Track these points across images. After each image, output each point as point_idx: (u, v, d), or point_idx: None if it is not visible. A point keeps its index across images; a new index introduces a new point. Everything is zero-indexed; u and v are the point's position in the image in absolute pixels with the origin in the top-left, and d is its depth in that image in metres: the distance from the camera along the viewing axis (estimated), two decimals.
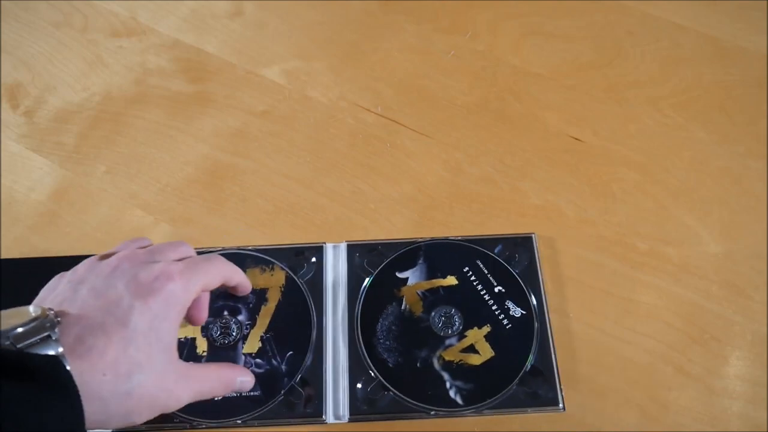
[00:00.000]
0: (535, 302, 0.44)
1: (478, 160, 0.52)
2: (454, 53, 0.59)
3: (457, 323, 0.44)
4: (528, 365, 0.42)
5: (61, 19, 0.64)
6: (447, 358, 0.42)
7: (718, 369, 0.42)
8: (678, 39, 0.59)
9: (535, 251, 0.46)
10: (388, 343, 0.43)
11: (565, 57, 0.58)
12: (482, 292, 0.45)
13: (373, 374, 0.42)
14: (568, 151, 0.53)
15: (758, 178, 0.50)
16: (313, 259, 0.47)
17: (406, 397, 0.41)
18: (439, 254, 0.47)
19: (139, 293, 0.30)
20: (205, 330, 0.44)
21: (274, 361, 0.43)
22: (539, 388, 0.41)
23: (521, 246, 0.47)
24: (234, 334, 0.44)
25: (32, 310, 0.28)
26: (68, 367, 0.26)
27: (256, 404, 0.41)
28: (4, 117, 0.58)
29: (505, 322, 0.43)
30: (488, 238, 0.47)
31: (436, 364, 0.42)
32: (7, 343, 0.26)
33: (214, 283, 0.34)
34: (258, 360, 0.43)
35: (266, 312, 0.45)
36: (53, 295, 0.31)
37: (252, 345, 0.43)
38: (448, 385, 0.41)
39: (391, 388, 0.41)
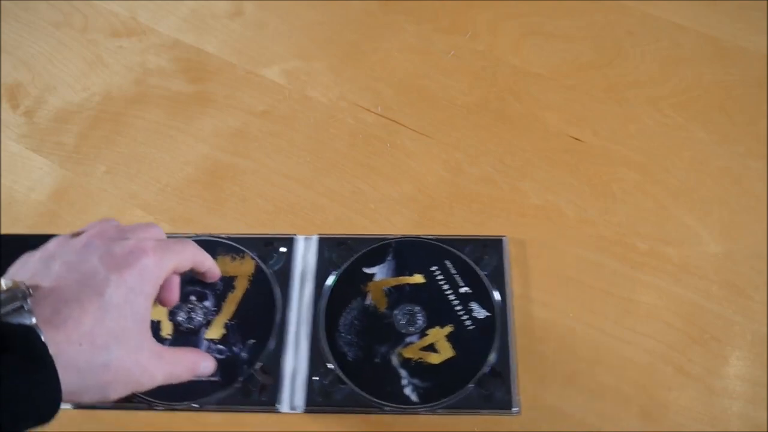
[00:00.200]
0: (499, 304, 0.44)
1: (478, 160, 0.52)
2: (454, 53, 0.59)
3: (420, 321, 0.44)
4: (487, 367, 0.42)
5: (61, 19, 0.64)
6: (406, 356, 0.43)
7: (718, 369, 0.42)
8: (678, 39, 0.59)
9: (504, 254, 0.46)
10: (349, 337, 0.43)
11: (565, 57, 0.58)
12: (448, 292, 0.45)
13: (331, 367, 0.42)
14: (568, 151, 0.53)
15: (758, 178, 0.50)
16: (283, 250, 0.47)
17: (362, 392, 0.41)
18: (408, 252, 0.47)
19: (113, 266, 0.30)
20: (172, 314, 0.44)
21: (235, 348, 0.43)
22: (496, 391, 0.41)
23: (491, 248, 0.47)
24: (200, 319, 0.44)
25: (3, 282, 0.28)
26: (43, 337, 0.26)
27: (214, 389, 0.42)
28: (4, 117, 0.58)
29: (468, 322, 0.44)
30: (459, 239, 0.47)
31: (395, 361, 0.42)
32: None
33: (185, 265, 0.34)
34: (220, 346, 0.43)
35: (233, 299, 0.45)
36: (23, 269, 0.31)
37: (216, 331, 0.44)
38: (405, 382, 0.42)
39: (348, 381, 0.42)
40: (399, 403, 0.41)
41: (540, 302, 0.45)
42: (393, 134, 0.54)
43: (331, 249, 0.47)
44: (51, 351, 0.25)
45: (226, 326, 0.44)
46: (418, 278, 0.46)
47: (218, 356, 0.43)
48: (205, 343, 0.44)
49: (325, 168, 0.53)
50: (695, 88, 0.56)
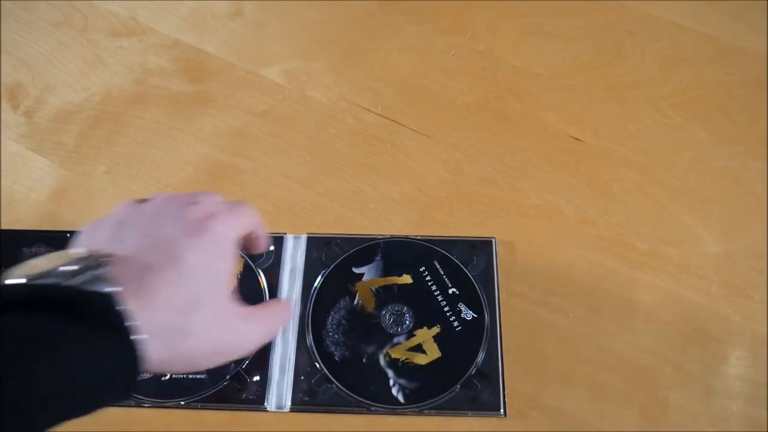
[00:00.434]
0: (487, 306, 0.44)
1: (478, 160, 0.52)
2: (454, 53, 0.59)
3: (407, 322, 0.44)
4: (473, 368, 0.42)
5: (61, 19, 0.64)
6: (393, 356, 0.43)
7: (718, 369, 0.42)
8: (678, 39, 0.59)
9: (494, 255, 0.46)
10: (336, 336, 0.43)
11: (565, 57, 0.58)
12: (436, 293, 0.45)
13: (318, 366, 0.42)
14: (568, 151, 0.53)
15: (758, 178, 0.50)
16: (271, 248, 0.47)
17: (348, 391, 0.41)
18: (397, 252, 0.47)
19: (189, 231, 0.29)
20: None
21: None
22: (482, 392, 0.41)
23: (480, 249, 0.47)
24: None
25: (78, 251, 0.27)
26: (124, 306, 0.25)
27: (201, 387, 0.42)
28: (4, 117, 0.58)
29: (456, 324, 0.44)
30: (448, 240, 0.47)
31: (382, 361, 0.43)
32: (54, 281, 0.25)
33: (250, 227, 0.33)
34: None
35: None
36: (94, 237, 0.30)
37: None
38: (391, 382, 0.42)
39: (335, 381, 0.42)
40: (386, 403, 0.41)
41: (540, 302, 0.45)
42: (393, 134, 0.54)
43: (320, 248, 0.47)
44: (133, 319, 0.25)
45: None
46: (406, 278, 0.46)
47: None
48: None
49: (325, 168, 0.53)
50: (695, 88, 0.56)
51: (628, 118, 0.54)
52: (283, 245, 0.48)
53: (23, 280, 0.25)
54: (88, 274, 0.25)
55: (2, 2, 0.66)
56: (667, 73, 0.57)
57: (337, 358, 0.43)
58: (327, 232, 0.48)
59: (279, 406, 0.42)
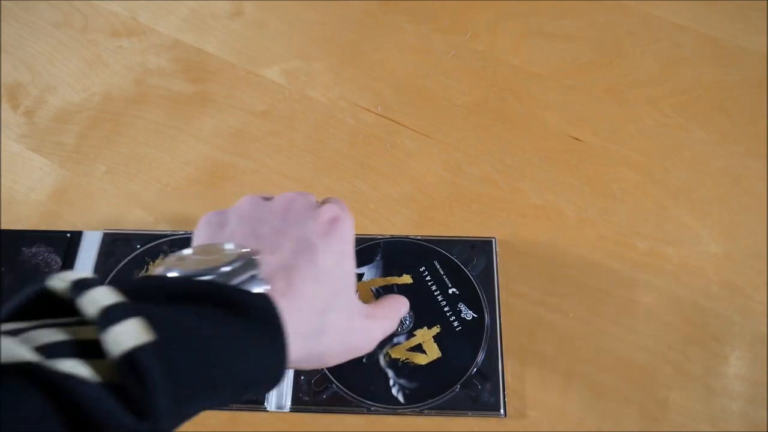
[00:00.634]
0: (487, 306, 0.44)
1: (478, 160, 0.52)
2: (454, 53, 0.59)
3: (407, 322, 0.44)
4: (474, 369, 0.42)
5: (61, 19, 0.64)
6: (393, 356, 0.43)
7: (718, 369, 0.42)
8: (678, 39, 0.59)
9: (494, 255, 0.46)
10: None
11: (565, 57, 0.58)
12: (436, 293, 0.45)
13: None
14: (568, 151, 0.53)
15: (758, 178, 0.50)
16: None
17: (348, 392, 0.41)
18: (397, 252, 0.47)
19: (320, 233, 0.30)
20: None
21: None
22: (483, 392, 0.41)
23: (480, 249, 0.47)
24: None
25: (230, 249, 0.28)
26: (276, 306, 0.25)
27: None
28: (4, 117, 0.58)
29: (456, 324, 0.44)
30: (448, 240, 0.47)
31: (382, 361, 0.42)
32: (216, 279, 0.26)
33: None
34: None
35: None
36: (228, 233, 0.31)
37: None
38: (391, 382, 0.42)
39: (335, 381, 0.42)
40: (386, 403, 0.41)
41: (540, 302, 0.45)
42: (393, 134, 0.54)
43: None
44: (284, 319, 0.25)
45: None
46: (406, 278, 0.46)
47: None
48: None
49: (325, 168, 0.53)
50: (695, 88, 0.56)
51: (628, 118, 0.54)
52: None
53: (187, 275, 0.26)
54: (246, 275, 0.26)
55: (2, 2, 0.66)
56: (667, 73, 0.57)
57: None
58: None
59: (279, 406, 0.42)
